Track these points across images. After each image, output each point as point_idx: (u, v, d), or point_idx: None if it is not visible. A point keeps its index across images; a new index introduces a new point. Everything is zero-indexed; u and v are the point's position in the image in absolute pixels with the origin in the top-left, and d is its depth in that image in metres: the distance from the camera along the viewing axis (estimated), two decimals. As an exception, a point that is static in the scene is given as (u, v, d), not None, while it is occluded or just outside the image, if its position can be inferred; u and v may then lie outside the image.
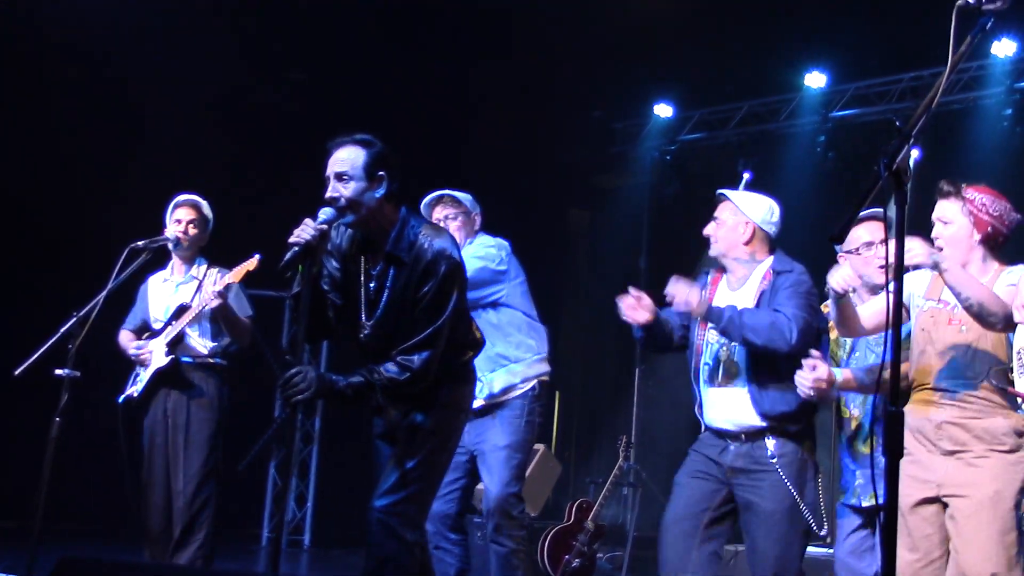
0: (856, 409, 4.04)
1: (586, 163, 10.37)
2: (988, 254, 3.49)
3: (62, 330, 4.73)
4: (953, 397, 3.44)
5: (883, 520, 2.41)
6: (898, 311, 2.42)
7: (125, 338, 5.22)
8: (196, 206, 5.22)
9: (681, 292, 3.95)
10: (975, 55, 7.57)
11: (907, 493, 3.46)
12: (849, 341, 4.04)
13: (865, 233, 4.01)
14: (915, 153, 2.46)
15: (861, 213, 3.86)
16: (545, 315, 4.95)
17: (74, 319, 4.76)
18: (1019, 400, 3.10)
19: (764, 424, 3.92)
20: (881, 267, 3.82)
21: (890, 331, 2.40)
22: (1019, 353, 3.15)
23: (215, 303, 4.91)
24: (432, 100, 8.78)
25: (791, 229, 4.31)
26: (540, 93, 9.02)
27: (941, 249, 3.45)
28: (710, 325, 4.05)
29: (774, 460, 3.89)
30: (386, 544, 3.49)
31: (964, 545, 3.34)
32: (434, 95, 8.76)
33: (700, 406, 4.14)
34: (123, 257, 4.93)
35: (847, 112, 9.12)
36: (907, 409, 3.55)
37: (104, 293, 4.84)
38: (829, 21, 7.99)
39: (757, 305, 3.99)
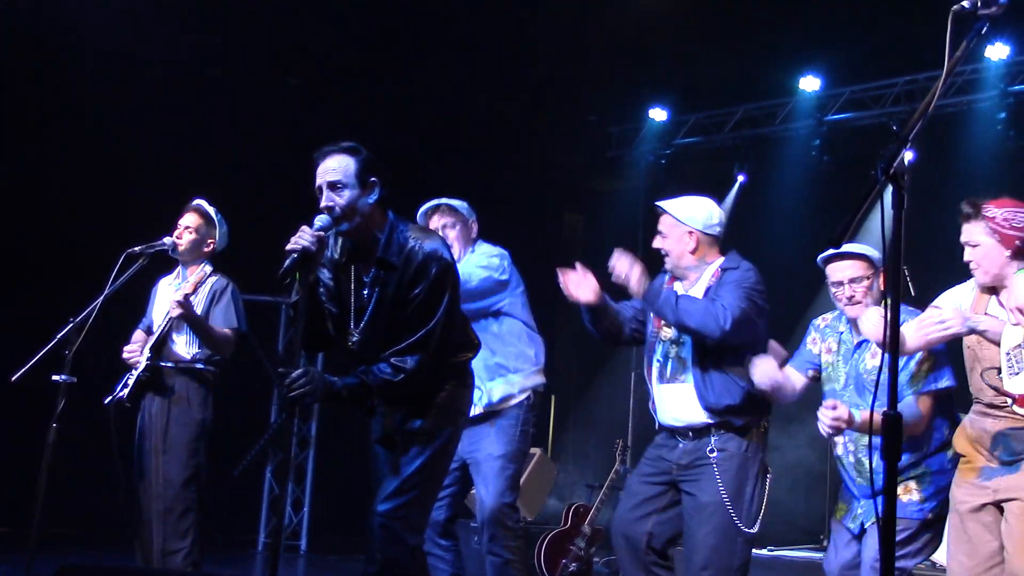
0: (851, 444, 4.00)
1: (582, 167, 10.39)
2: (1022, 265, 3.49)
3: (59, 336, 4.72)
4: (1003, 412, 3.44)
5: (881, 525, 2.40)
6: (897, 313, 2.42)
7: (135, 339, 5.22)
8: (199, 211, 5.21)
9: (623, 266, 3.98)
10: (969, 59, 7.60)
11: (964, 500, 3.53)
12: (843, 375, 4.02)
13: (852, 269, 3.97)
14: (909, 155, 2.47)
15: (849, 249, 3.94)
16: (540, 318, 4.95)
17: (71, 325, 4.75)
18: (1009, 400, 3.12)
19: (710, 420, 3.99)
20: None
21: (888, 332, 2.40)
22: (1008, 354, 3.16)
23: (175, 312, 4.91)
24: (428, 105, 8.79)
25: (787, 232, 4.34)
26: (536, 97, 9.04)
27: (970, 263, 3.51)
28: (663, 322, 4.11)
29: (714, 455, 3.96)
30: (389, 548, 3.49)
31: (1013, 547, 3.35)
32: (430, 100, 8.77)
33: (653, 404, 4.21)
34: (120, 262, 4.92)
35: (842, 116, 9.16)
36: (968, 418, 3.63)
37: (101, 299, 4.83)
38: (824, 25, 8.01)
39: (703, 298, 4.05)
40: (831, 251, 3.97)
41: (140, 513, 4.96)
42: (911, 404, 3.80)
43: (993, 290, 3.57)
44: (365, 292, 3.58)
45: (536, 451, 7.75)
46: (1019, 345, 3.10)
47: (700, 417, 4.01)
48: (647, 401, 4.35)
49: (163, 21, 7.48)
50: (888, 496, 2.38)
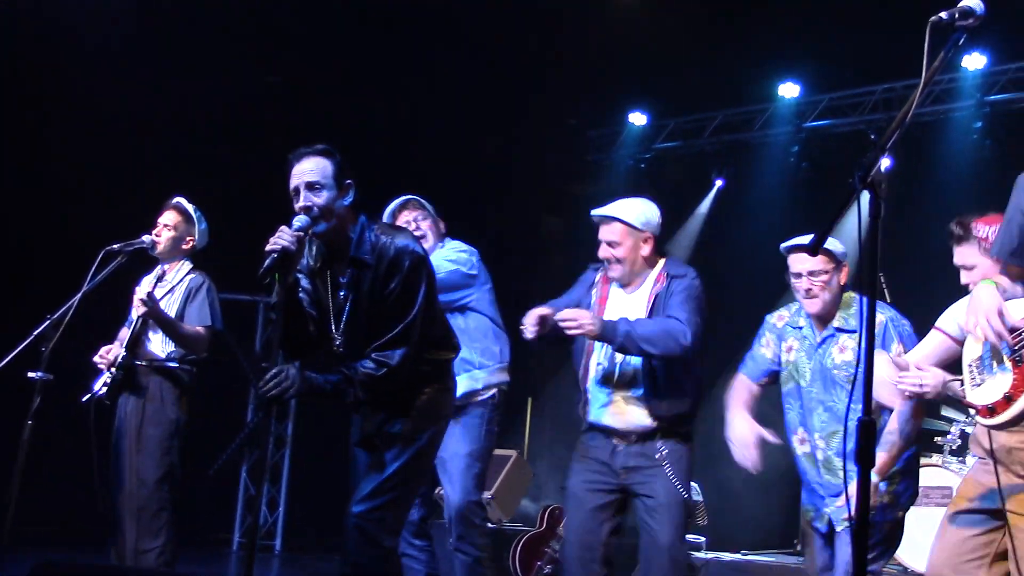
0: (821, 441, 3.98)
1: (561, 170, 10.41)
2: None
3: (36, 332, 4.71)
4: (1015, 425, 3.35)
5: (853, 531, 2.43)
6: (872, 323, 2.44)
7: (120, 337, 5.21)
8: (179, 209, 5.21)
9: (569, 319, 3.91)
10: (946, 68, 7.69)
11: (970, 497, 3.44)
12: (808, 371, 4.00)
13: (812, 262, 3.95)
14: (886, 162, 2.50)
15: (802, 241, 3.95)
16: (517, 320, 4.97)
17: (48, 322, 4.74)
18: (972, 412, 3.14)
19: (656, 425, 4.03)
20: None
21: (864, 344, 2.43)
22: (969, 367, 3.17)
23: (140, 310, 4.91)
24: (407, 107, 8.80)
25: (764, 237, 4.37)
26: (516, 101, 9.05)
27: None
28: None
29: (662, 458, 4.02)
30: (363, 550, 3.51)
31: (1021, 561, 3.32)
32: (409, 102, 8.78)
33: (587, 405, 4.20)
34: (99, 260, 4.91)
35: (820, 123, 9.21)
36: (979, 429, 3.54)
37: (78, 296, 4.82)
38: (803, 33, 8.07)
39: (652, 307, 4.04)
40: (794, 241, 3.98)
41: (114, 511, 4.96)
42: (904, 413, 3.77)
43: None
44: (342, 294, 3.61)
45: (512, 453, 7.77)
46: (980, 357, 3.12)
47: (647, 422, 4.05)
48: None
49: (144, 19, 7.46)
50: (862, 503, 2.39)
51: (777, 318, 4.20)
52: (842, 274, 3.99)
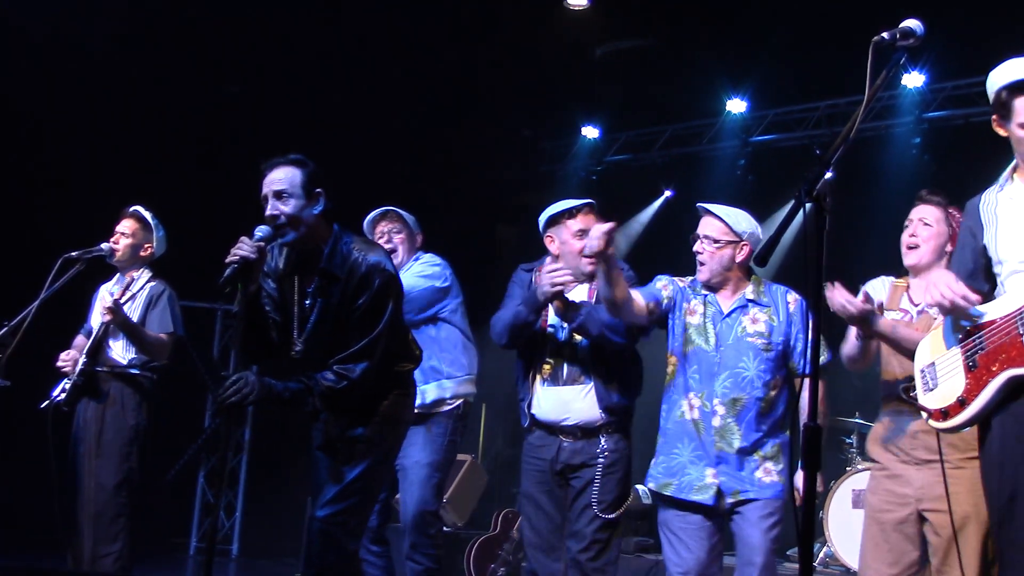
0: (721, 407, 3.88)
1: (515, 181, 10.49)
2: (948, 264, 3.61)
3: (-1, 337, 4.71)
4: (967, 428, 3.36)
5: (800, 530, 2.46)
6: (818, 331, 2.53)
7: (76, 344, 5.21)
8: (136, 217, 5.22)
9: (558, 275, 4.07)
10: (887, 86, 7.93)
11: (886, 509, 3.56)
12: (713, 336, 3.93)
13: (709, 228, 4.00)
14: (829, 175, 2.60)
15: (715, 210, 3.98)
16: (472, 328, 5.06)
17: (5, 328, 4.74)
18: (923, 414, 3.17)
19: (604, 419, 4.16)
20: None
21: (809, 348, 2.51)
22: (922, 372, 3.20)
23: (106, 318, 4.92)
24: (363, 116, 8.83)
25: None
26: (471, 113, 9.14)
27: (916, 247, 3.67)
28: (549, 323, 4.23)
29: (603, 456, 4.15)
30: (327, 554, 3.56)
31: (945, 561, 3.42)
32: (365, 112, 8.81)
33: (530, 403, 4.32)
34: (57, 267, 4.92)
35: (766, 137, 9.39)
36: (880, 423, 3.68)
37: (37, 303, 4.83)
38: (750, 50, 8.21)
39: (592, 300, 4.20)
40: (709, 205, 4.03)
41: (71, 517, 4.96)
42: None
43: (906, 287, 3.72)
44: (307, 303, 3.63)
45: (467, 458, 7.83)
46: (932, 363, 3.14)
47: (593, 415, 4.17)
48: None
49: (101, 26, 7.43)
50: (808, 506, 2.44)
51: (679, 279, 4.13)
52: (740, 251, 3.97)
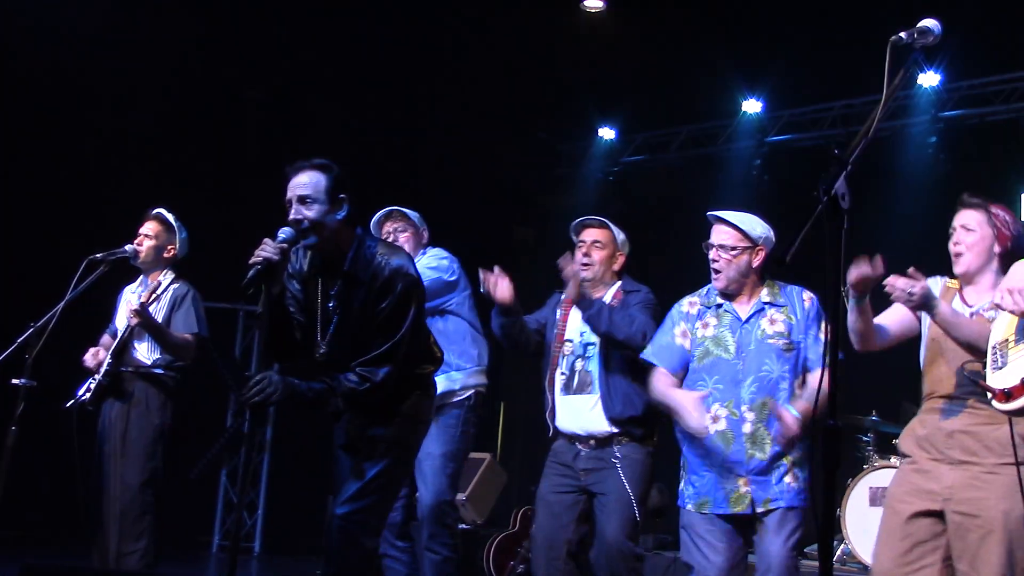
0: (750, 413, 3.89)
1: (532, 183, 10.53)
2: (999, 265, 3.53)
3: (19, 340, 4.77)
4: (964, 405, 3.41)
5: (819, 531, 2.46)
6: (836, 329, 2.55)
7: (102, 343, 5.27)
8: (159, 219, 5.28)
9: (570, 267, 4.31)
10: (903, 85, 7.91)
11: (907, 500, 3.47)
12: (733, 343, 3.96)
13: (724, 236, 4.04)
14: (845, 174, 2.59)
15: (729, 218, 4.04)
16: (488, 330, 5.08)
17: (31, 329, 4.80)
18: (988, 395, 3.08)
19: (613, 429, 4.30)
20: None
21: (829, 355, 2.52)
22: (993, 349, 3.10)
23: (133, 321, 4.97)
24: (382, 119, 8.89)
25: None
26: (488, 115, 9.17)
27: (960, 255, 3.52)
28: (567, 337, 4.46)
29: (617, 461, 4.29)
30: (346, 551, 3.59)
31: (971, 565, 3.32)
32: (384, 115, 8.87)
33: (552, 413, 4.50)
34: (81, 269, 4.98)
35: (782, 137, 9.37)
36: (918, 419, 3.59)
37: (61, 304, 4.88)
38: (766, 51, 8.21)
39: None
40: (719, 212, 4.08)
41: (97, 515, 5.01)
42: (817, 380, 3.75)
43: (959, 288, 3.60)
44: (331, 305, 3.65)
45: (486, 456, 7.88)
46: (1005, 340, 3.04)
47: (603, 427, 4.33)
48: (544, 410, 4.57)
49: (126, 31, 7.50)
50: (827, 506, 2.45)
51: (688, 304, 4.16)
52: (756, 255, 4.00)
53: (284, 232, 3.53)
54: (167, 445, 5.10)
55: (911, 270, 3.36)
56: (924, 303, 3.35)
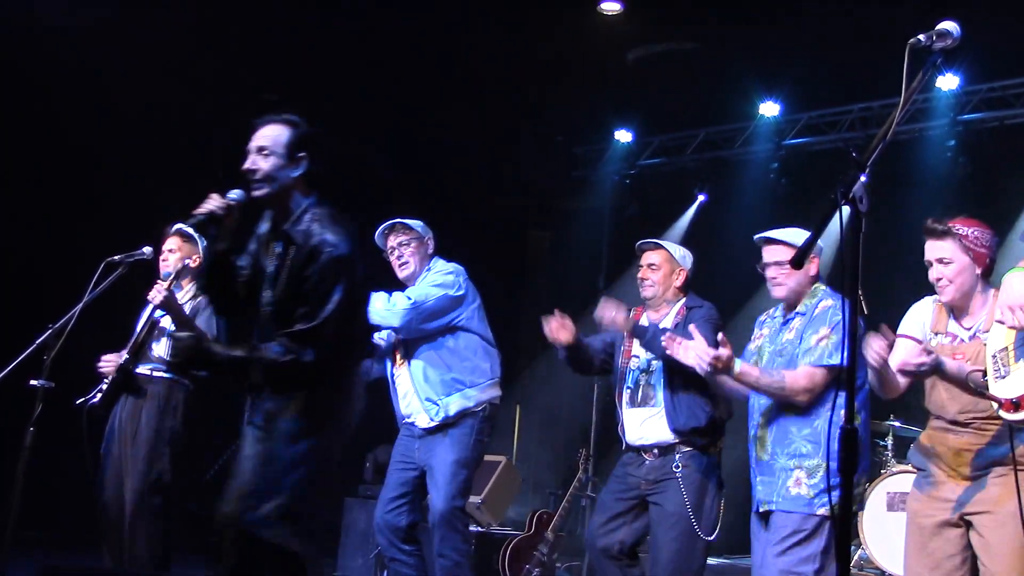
0: (761, 417, 4.04)
1: (548, 186, 10.54)
2: (985, 284, 3.54)
3: (38, 341, 4.79)
4: (968, 428, 3.45)
5: (836, 534, 2.48)
6: (854, 331, 2.53)
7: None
8: (180, 234, 5.30)
9: (609, 312, 4.46)
10: (922, 88, 7.86)
11: (928, 513, 3.51)
12: (768, 353, 4.08)
13: (774, 254, 4.11)
14: (863, 177, 2.56)
15: (773, 235, 4.11)
16: (505, 333, 5.09)
17: (49, 331, 4.82)
18: (995, 405, 3.09)
19: (675, 439, 4.41)
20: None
21: (847, 348, 2.50)
22: (994, 357, 3.12)
23: (157, 300, 4.93)
24: (397, 123, 8.91)
25: (744, 251, 4.52)
26: (504, 118, 9.18)
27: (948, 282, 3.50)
28: (633, 353, 4.59)
29: (678, 470, 4.38)
30: (247, 548, 3.41)
31: (991, 560, 3.35)
32: (400, 117, 8.88)
33: (622, 426, 4.61)
34: (100, 271, 5.00)
35: (799, 140, 9.37)
36: (926, 434, 3.61)
37: (79, 306, 4.90)
38: (783, 53, 8.20)
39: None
40: (766, 233, 4.17)
41: (108, 515, 5.03)
42: (796, 373, 3.88)
43: (951, 310, 3.60)
44: (275, 263, 3.58)
45: (502, 458, 7.88)
46: (1005, 348, 3.06)
47: (667, 437, 4.45)
48: (612, 417, 4.72)
49: (140, 36, 7.54)
50: (844, 512, 2.45)
51: (765, 313, 4.34)
52: (811, 264, 4.09)
53: (234, 193, 3.54)
54: (176, 447, 5.10)
55: (921, 347, 3.39)
56: (933, 372, 3.37)
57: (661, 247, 4.71)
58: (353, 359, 3.78)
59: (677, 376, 4.40)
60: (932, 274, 3.56)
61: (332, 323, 3.42)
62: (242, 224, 3.67)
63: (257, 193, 3.54)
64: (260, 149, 3.54)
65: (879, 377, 3.53)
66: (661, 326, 4.53)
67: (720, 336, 3.93)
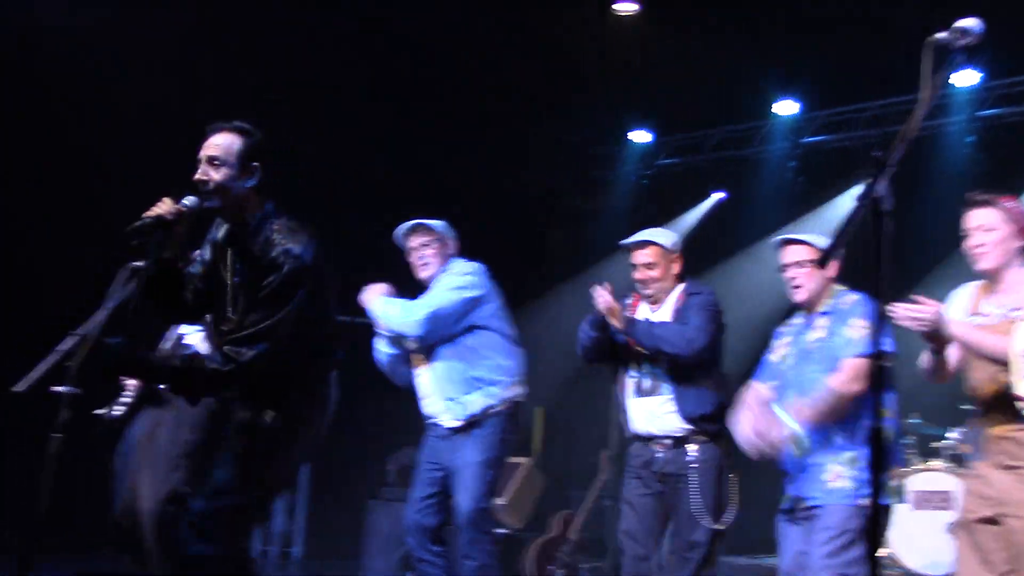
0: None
1: (565, 186, 10.55)
2: (1021, 260, 3.54)
3: (64, 348, 4.80)
4: (1005, 409, 3.38)
5: (867, 528, 2.54)
6: (879, 331, 2.54)
7: None
8: None
9: (604, 300, 4.42)
10: (941, 85, 7.81)
11: (971, 509, 3.48)
12: (792, 355, 4.07)
13: (796, 254, 4.11)
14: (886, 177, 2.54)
15: (794, 236, 4.11)
16: (524, 334, 5.06)
17: (78, 338, 4.83)
18: (1021, 405, 3.06)
19: (687, 428, 4.37)
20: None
21: (871, 343, 2.55)
22: (1021, 356, 3.09)
23: None
24: (413, 124, 8.92)
25: (763, 249, 4.54)
26: (522, 119, 9.19)
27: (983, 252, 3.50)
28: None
29: (694, 464, 4.35)
30: (191, 546, 3.39)
31: (1017, 564, 3.30)
32: (415, 120, 8.90)
33: (627, 416, 4.56)
34: (127, 276, 5.00)
35: (817, 138, 9.35)
36: (970, 421, 3.61)
37: (106, 312, 4.90)
38: (800, 51, 8.18)
39: (673, 320, 4.47)
40: (786, 236, 4.18)
41: (125, 526, 5.04)
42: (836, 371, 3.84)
43: (987, 287, 3.58)
44: (236, 279, 3.51)
45: (525, 461, 7.89)
46: None
47: (678, 425, 4.40)
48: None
49: (140, 36, 7.54)
50: (874, 508, 2.44)
51: (782, 326, 4.31)
52: (831, 265, 4.04)
53: (189, 199, 3.41)
54: (198, 461, 5.11)
55: (919, 299, 3.36)
56: (936, 328, 3.34)
57: (650, 243, 4.58)
58: (325, 366, 3.66)
59: (681, 364, 4.37)
60: (971, 241, 3.54)
61: (286, 325, 3.34)
62: (195, 231, 3.57)
63: (209, 205, 3.44)
64: (211, 159, 3.44)
65: (931, 361, 3.50)
66: (659, 319, 4.49)
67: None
